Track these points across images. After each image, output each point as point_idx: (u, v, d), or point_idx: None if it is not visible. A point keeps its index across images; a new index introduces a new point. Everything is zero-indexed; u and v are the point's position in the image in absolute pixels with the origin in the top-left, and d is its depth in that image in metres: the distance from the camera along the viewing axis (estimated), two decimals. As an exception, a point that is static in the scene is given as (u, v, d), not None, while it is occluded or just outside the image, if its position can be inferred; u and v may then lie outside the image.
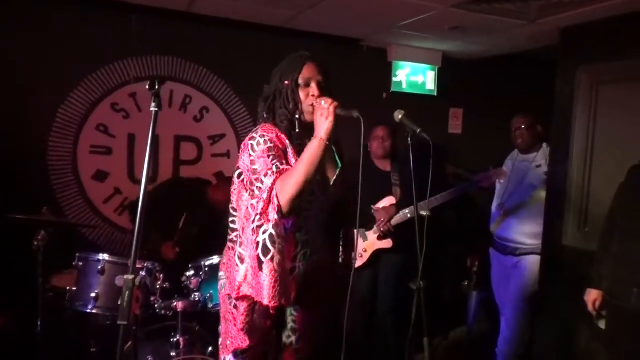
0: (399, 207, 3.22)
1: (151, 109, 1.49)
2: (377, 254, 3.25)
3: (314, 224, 1.89)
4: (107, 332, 2.70)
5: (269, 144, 1.74)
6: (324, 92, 1.81)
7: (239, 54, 3.77)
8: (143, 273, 2.59)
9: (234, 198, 1.90)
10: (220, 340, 1.95)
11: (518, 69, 4.46)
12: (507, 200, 3.27)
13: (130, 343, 2.17)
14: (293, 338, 1.99)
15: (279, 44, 3.76)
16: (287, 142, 1.81)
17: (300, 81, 1.81)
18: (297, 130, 1.82)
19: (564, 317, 3.06)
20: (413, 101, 4.16)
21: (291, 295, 1.84)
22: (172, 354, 2.58)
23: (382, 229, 3.18)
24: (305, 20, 3.51)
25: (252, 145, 1.76)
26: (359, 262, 3.22)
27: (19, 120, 3.19)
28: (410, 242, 1.93)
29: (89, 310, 2.57)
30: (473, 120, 4.61)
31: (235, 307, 1.87)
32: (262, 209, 1.70)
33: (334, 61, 4.09)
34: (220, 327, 1.96)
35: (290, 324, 2.00)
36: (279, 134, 1.81)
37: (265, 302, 1.75)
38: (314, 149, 1.67)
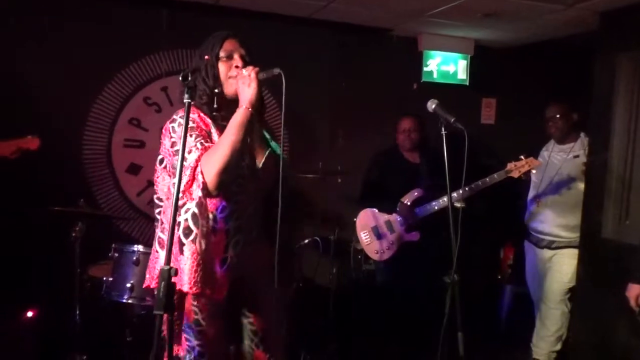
0: (425, 199, 3.18)
1: (185, 100, 1.50)
2: (407, 246, 3.21)
3: (246, 210, 1.77)
4: (143, 321, 2.75)
5: (191, 124, 1.65)
6: (247, 65, 1.72)
7: (267, 45, 3.76)
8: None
9: (158, 187, 1.79)
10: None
11: (553, 56, 4.32)
12: (543, 192, 3.18)
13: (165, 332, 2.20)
14: (257, 339, 1.86)
15: (307, 35, 3.74)
16: (211, 122, 1.73)
17: (222, 54, 1.74)
18: (216, 106, 1.72)
19: (602, 313, 2.97)
20: (444, 91, 4.07)
21: (222, 288, 1.69)
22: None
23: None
24: (333, 11, 3.48)
25: (172, 127, 1.69)
26: (387, 255, 3.20)
27: (56, 115, 3.27)
28: (442, 235, 1.89)
29: (124, 300, 2.62)
30: (507, 110, 4.49)
31: (182, 304, 1.69)
32: (185, 186, 1.59)
33: (363, 52, 4.08)
34: None
35: (248, 327, 1.87)
36: (201, 115, 1.72)
37: (185, 288, 1.60)
38: (238, 118, 1.60)
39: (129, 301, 2.62)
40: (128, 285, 2.60)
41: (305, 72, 3.65)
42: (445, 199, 3.06)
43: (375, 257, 3.23)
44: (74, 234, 2.75)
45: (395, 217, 3.20)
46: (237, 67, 1.72)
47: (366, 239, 3.24)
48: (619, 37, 3.04)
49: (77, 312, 2.76)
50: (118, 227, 3.55)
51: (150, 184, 3.63)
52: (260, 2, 3.43)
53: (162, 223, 1.74)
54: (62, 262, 2.81)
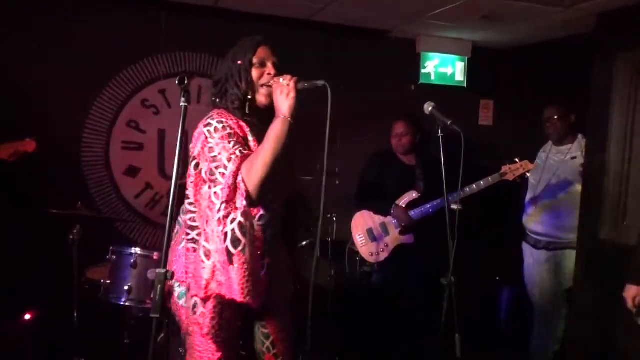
0: (421, 201, 3.18)
1: (180, 104, 1.50)
2: (403, 248, 3.22)
3: (279, 217, 1.79)
4: (141, 324, 2.76)
5: (228, 130, 1.64)
6: (279, 73, 1.73)
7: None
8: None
9: (190, 192, 1.73)
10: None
11: (551, 58, 4.32)
12: (541, 194, 3.19)
13: (162, 335, 2.20)
14: (268, 343, 1.86)
15: (305, 38, 3.74)
16: (248, 130, 1.71)
17: (255, 60, 1.73)
18: (248, 112, 1.72)
19: (600, 314, 2.97)
20: (442, 93, 4.08)
21: (261, 295, 1.70)
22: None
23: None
24: (331, 13, 3.49)
25: (208, 131, 1.65)
26: (381, 257, 3.21)
27: (54, 118, 3.27)
28: (439, 236, 1.89)
29: (122, 303, 2.62)
30: (504, 111, 4.50)
31: (200, 313, 1.68)
32: (227, 196, 1.58)
33: (361, 53, 4.09)
34: (180, 348, 1.80)
35: (260, 330, 1.87)
36: (238, 122, 1.71)
37: (238, 298, 1.61)
38: (278, 127, 1.58)
39: (127, 304, 2.62)
40: (126, 287, 2.60)
41: (303, 74, 3.64)
42: (439, 201, 3.08)
43: (370, 259, 3.24)
44: (71, 237, 2.75)
45: (390, 220, 3.21)
46: (269, 74, 1.72)
47: (361, 241, 3.25)
48: (616, 38, 3.04)
49: (75, 315, 2.76)
50: (116, 229, 3.55)
51: (148, 186, 3.63)
52: (259, 5, 3.44)
53: (204, 232, 1.68)
54: (60, 265, 2.80)
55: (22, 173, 2.85)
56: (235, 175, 1.57)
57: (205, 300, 1.67)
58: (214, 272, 1.65)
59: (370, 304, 3.34)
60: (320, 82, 1.61)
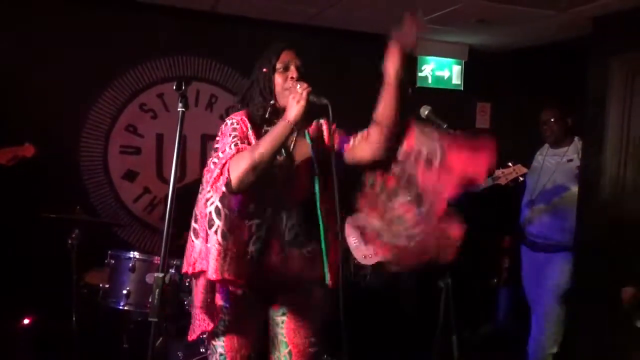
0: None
1: (178, 109, 1.51)
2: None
3: (278, 211, 1.80)
4: (139, 328, 2.76)
5: (234, 125, 1.76)
6: (302, 77, 1.78)
7: (263, 52, 3.79)
8: (172, 270, 2.63)
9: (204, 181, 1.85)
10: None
11: (547, 60, 4.35)
12: (538, 196, 3.20)
13: (161, 339, 2.21)
14: (285, 352, 1.88)
15: (303, 42, 3.73)
16: (249, 125, 1.79)
17: (279, 65, 1.80)
18: (268, 117, 1.79)
19: (598, 316, 2.98)
20: (439, 96, 4.09)
21: (241, 274, 1.72)
22: (202, 349, 2.61)
23: None
24: (329, 17, 3.51)
25: (221, 128, 1.79)
26: (374, 259, 3.21)
27: (52, 122, 3.28)
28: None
29: (121, 307, 2.63)
30: (501, 114, 4.52)
31: (194, 288, 1.79)
32: (213, 179, 1.68)
33: (358, 57, 4.09)
34: (179, 352, 1.89)
35: (280, 328, 1.89)
36: (244, 118, 1.79)
37: (210, 274, 1.68)
38: (277, 129, 1.64)
39: (126, 308, 2.62)
40: (124, 291, 2.60)
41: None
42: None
43: (363, 261, 3.24)
44: (70, 241, 2.75)
45: None
46: (292, 78, 1.77)
47: (354, 242, 3.25)
48: (612, 41, 3.07)
49: (74, 319, 2.76)
50: (114, 233, 3.55)
51: (146, 190, 3.64)
52: (257, 9, 3.45)
53: (195, 215, 1.79)
54: (58, 269, 2.81)
55: (21, 177, 2.85)
56: (225, 162, 1.66)
57: (195, 276, 1.77)
58: (200, 250, 1.73)
59: (366, 305, 3.34)
60: (324, 101, 1.66)
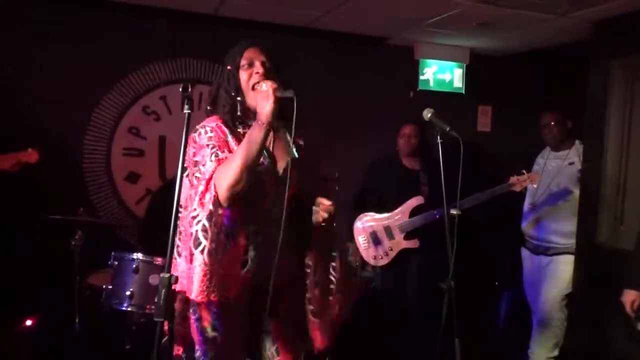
0: (426, 206, 3.20)
1: (184, 112, 1.51)
2: (404, 253, 3.23)
3: (270, 214, 1.76)
4: (142, 329, 2.77)
5: (209, 134, 1.71)
6: (269, 73, 1.74)
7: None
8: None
9: (183, 196, 1.76)
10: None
11: (548, 64, 4.37)
12: (539, 199, 3.21)
13: (166, 338, 2.21)
14: (273, 350, 1.87)
15: (304, 45, 3.78)
16: (227, 130, 1.75)
17: (243, 62, 1.76)
18: (239, 114, 1.75)
19: (599, 319, 2.99)
20: (441, 99, 4.12)
21: (230, 291, 1.69)
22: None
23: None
24: (330, 20, 3.52)
25: (194, 137, 1.73)
26: (384, 261, 3.22)
27: (55, 124, 3.29)
28: (439, 242, 1.90)
29: (124, 308, 2.63)
30: (502, 117, 4.54)
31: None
32: (199, 195, 1.62)
33: (360, 60, 4.12)
34: (183, 354, 1.84)
35: (266, 337, 1.88)
36: (219, 124, 1.76)
37: (193, 296, 1.63)
38: (253, 133, 1.61)
39: (129, 309, 2.63)
40: (127, 293, 2.61)
41: (302, 81, 3.67)
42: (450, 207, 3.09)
43: (372, 262, 3.24)
44: (73, 242, 2.77)
45: (394, 224, 3.22)
46: (257, 73, 1.74)
47: (364, 243, 3.25)
48: (612, 44, 3.08)
49: (77, 320, 2.78)
50: (117, 235, 3.57)
51: (149, 192, 3.65)
52: (259, 12, 3.47)
53: (179, 232, 1.74)
54: (61, 270, 2.82)
55: (24, 179, 2.86)
56: (210, 178, 1.62)
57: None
58: (182, 270, 1.69)
59: (370, 308, 3.35)
60: (290, 93, 1.62)
